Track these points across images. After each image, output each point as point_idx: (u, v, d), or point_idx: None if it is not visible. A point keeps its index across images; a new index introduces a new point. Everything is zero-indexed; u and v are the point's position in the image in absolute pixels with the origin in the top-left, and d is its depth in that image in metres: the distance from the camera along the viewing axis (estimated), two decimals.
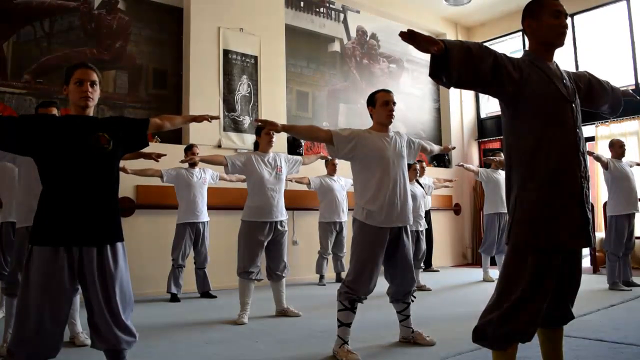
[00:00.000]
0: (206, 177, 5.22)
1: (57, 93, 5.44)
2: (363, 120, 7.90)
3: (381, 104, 2.98)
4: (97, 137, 2.08)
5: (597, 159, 5.29)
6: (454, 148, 4.11)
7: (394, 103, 3.01)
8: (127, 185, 5.39)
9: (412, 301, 3.09)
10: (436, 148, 3.71)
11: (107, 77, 5.82)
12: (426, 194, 5.92)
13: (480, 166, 8.88)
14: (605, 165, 5.32)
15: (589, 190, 2.00)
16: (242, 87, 6.50)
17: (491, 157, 6.34)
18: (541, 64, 2.03)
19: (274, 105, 6.74)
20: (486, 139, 9.50)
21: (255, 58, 6.64)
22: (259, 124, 2.84)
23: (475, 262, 8.62)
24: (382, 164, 2.90)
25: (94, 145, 2.06)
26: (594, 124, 7.88)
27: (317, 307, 4.52)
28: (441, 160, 8.86)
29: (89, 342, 3.15)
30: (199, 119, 2.64)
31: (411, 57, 8.95)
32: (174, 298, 4.98)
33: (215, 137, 6.15)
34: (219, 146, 6.14)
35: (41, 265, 1.93)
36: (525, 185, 1.93)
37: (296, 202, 6.39)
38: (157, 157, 3.72)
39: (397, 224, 2.91)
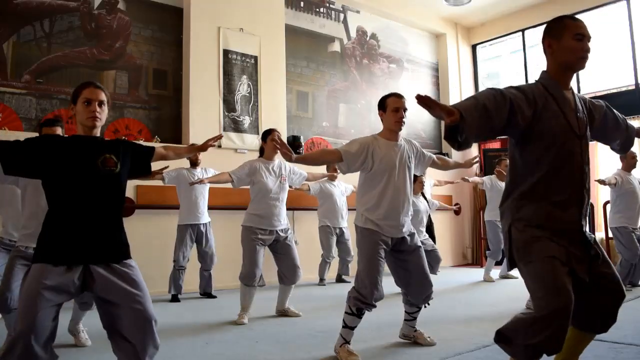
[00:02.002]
0: (208, 177, 5.20)
1: (57, 93, 5.45)
2: (363, 120, 7.91)
3: (392, 110, 2.92)
4: (105, 159, 2.05)
5: (604, 183, 5.22)
6: (477, 161, 3.51)
7: (405, 109, 2.93)
8: (127, 186, 5.37)
9: (427, 306, 3.06)
10: (452, 162, 3.45)
11: (107, 77, 5.82)
12: (429, 208, 5.90)
13: (480, 169, 8.88)
14: (614, 185, 5.17)
15: (587, 222, 1.99)
16: (242, 87, 6.50)
17: (498, 170, 6.25)
18: (557, 93, 1.96)
19: (274, 105, 6.74)
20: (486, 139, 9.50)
21: (255, 58, 6.64)
22: (277, 145, 2.74)
23: (475, 262, 8.63)
24: (387, 175, 2.88)
25: (101, 167, 2.04)
26: None
27: (317, 307, 4.52)
28: None
29: (89, 343, 3.17)
30: (204, 148, 2.62)
31: (411, 57, 8.95)
32: (174, 298, 4.99)
33: None
34: (219, 146, 6.14)
35: (33, 280, 1.86)
36: (521, 214, 1.93)
37: (296, 202, 6.39)
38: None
39: (394, 235, 2.89)
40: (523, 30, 8.99)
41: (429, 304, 3.04)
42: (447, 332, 3.33)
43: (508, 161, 2.07)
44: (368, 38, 8.33)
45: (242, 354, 2.98)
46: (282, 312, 4.11)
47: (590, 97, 2.19)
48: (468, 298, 4.98)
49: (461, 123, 1.72)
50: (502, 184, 6.01)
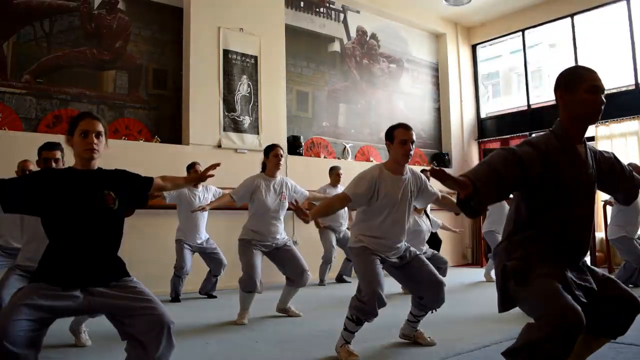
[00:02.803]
0: (208, 196, 5.07)
1: (56, 93, 5.45)
2: (363, 120, 7.91)
3: (399, 142, 2.86)
4: (103, 195, 2.04)
5: (611, 204, 5.20)
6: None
7: (413, 142, 2.87)
8: None
9: (434, 312, 3.04)
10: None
11: (107, 77, 5.82)
12: (431, 228, 5.91)
13: None
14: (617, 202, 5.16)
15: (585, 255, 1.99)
16: (242, 87, 6.50)
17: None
18: (570, 149, 1.93)
19: (274, 105, 6.74)
20: (486, 139, 9.50)
21: (255, 58, 6.64)
22: (292, 208, 2.66)
23: (475, 262, 8.63)
24: (388, 210, 2.87)
25: (99, 204, 2.03)
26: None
27: (317, 307, 4.52)
28: (441, 160, 8.86)
29: (89, 343, 3.17)
30: (202, 178, 2.57)
31: (411, 57, 8.95)
32: (175, 298, 4.99)
33: (215, 137, 6.15)
34: (219, 146, 6.14)
35: (22, 294, 1.86)
36: (518, 254, 1.91)
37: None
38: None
39: (388, 256, 2.90)
40: (523, 30, 8.99)
41: (436, 310, 3.02)
42: (447, 332, 3.33)
43: (513, 206, 2.04)
44: (368, 38, 8.33)
45: (242, 354, 2.98)
46: (283, 311, 4.10)
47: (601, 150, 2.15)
48: (468, 298, 4.98)
49: (474, 194, 1.71)
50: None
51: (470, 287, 5.84)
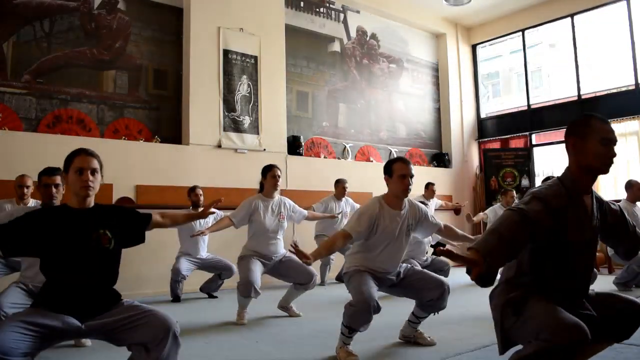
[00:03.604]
0: (209, 220, 4.93)
1: (56, 93, 5.45)
2: (363, 120, 7.91)
3: (398, 177, 2.84)
4: (99, 236, 2.03)
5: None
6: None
7: (412, 176, 2.86)
8: (127, 185, 5.39)
9: (436, 314, 3.04)
10: (460, 234, 3.27)
11: (107, 77, 5.82)
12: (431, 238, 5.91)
13: (481, 169, 8.89)
14: None
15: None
16: (242, 87, 6.50)
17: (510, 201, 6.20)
18: (578, 201, 1.90)
19: (274, 105, 6.74)
20: (486, 139, 9.50)
21: (255, 58, 6.64)
22: (293, 252, 2.60)
23: None
24: (386, 243, 2.88)
25: (95, 244, 2.02)
26: None
27: (317, 307, 4.52)
28: (441, 160, 8.86)
29: (89, 343, 3.17)
30: (203, 215, 2.54)
31: (411, 57, 8.95)
32: (175, 299, 4.98)
33: (215, 137, 6.15)
34: (219, 146, 6.14)
35: (21, 314, 1.89)
36: (517, 293, 1.90)
37: (296, 202, 6.37)
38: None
39: (382, 275, 2.92)
40: (523, 30, 9.00)
41: (438, 313, 3.02)
42: (447, 332, 3.33)
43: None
44: (368, 38, 8.33)
45: (242, 354, 2.98)
46: (284, 309, 4.10)
47: (610, 201, 2.12)
48: (468, 298, 4.98)
49: (487, 269, 1.67)
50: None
51: (470, 288, 5.83)
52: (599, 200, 2.01)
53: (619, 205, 2.10)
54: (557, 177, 1.97)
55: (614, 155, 1.86)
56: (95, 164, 2.05)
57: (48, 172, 3.07)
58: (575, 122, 1.92)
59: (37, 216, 2.03)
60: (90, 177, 2.02)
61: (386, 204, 2.90)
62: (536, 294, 1.86)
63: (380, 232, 2.84)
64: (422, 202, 3.21)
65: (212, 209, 2.57)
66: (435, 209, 6.76)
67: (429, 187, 6.63)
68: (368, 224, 2.81)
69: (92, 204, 2.09)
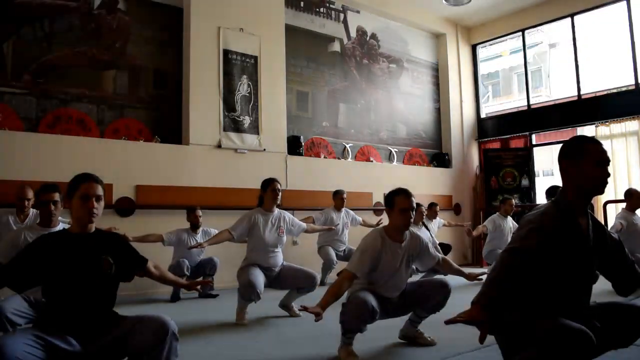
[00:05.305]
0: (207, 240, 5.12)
1: (56, 93, 5.44)
2: (363, 119, 7.91)
3: (399, 210, 2.82)
4: (101, 260, 2.05)
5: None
6: (480, 278, 3.15)
7: (413, 209, 2.85)
8: (127, 185, 5.39)
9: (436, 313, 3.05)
10: (455, 267, 3.23)
11: (107, 77, 5.82)
12: (432, 234, 5.90)
13: (480, 169, 8.88)
14: (619, 231, 4.92)
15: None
16: (242, 87, 6.50)
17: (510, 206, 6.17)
18: (573, 224, 1.90)
19: (274, 105, 6.74)
20: (486, 139, 9.50)
21: (255, 58, 6.63)
22: (302, 310, 2.54)
23: (476, 262, 8.62)
24: (388, 275, 2.88)
25: (97, 269, 2.03)
26: (594, 123, 7.88)
27: None
28: (441, 160, 8.86)
29: None
30: (190, 287, 2.52)
31: (411, 57, 8.95)
32: (175, 298, 4.99)
33: (215, 137, 6.15)
34: (219, 146, 6.14)
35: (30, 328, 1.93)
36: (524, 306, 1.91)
37: (296, 202, 6.39)
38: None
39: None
40: (523, 30, 9.00)
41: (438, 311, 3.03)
42: (447, 332, 3.32)
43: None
44: (368, 38, 8.33)
45: (242, 354, 2.98)
46: (285, 307, 4.11)
47: (610, 230, 2.14)
48: (468, 298, 4.98)
49: (492, 317, 1.72)
50: (505, 223, 5.98)
51: (470, 287, 5.82)
52: (597, 223, 2.01)
53: (618, 236, 2.12)
54: (552, 200, 1.98)
55: (609, 175, 1.88)
56: (100, 190, 2.06)
57: (45, 189, 3.08)
58: (568, 145, 1.94)
59: (39, 246, 2.04)
60: (96, 205, 2.04)
61: (387, 236, 2.88)
62: (537, 311, 1.86)
63: (382, 265, 2.84)
64: (424, 225, 3.21)
65: (198, 288, 2.57)
66: (437, 228, 6.71)
67: (432, 207, 6.51)
68: (371, 262, 2.80)
69: (93, 229, 2.11)
